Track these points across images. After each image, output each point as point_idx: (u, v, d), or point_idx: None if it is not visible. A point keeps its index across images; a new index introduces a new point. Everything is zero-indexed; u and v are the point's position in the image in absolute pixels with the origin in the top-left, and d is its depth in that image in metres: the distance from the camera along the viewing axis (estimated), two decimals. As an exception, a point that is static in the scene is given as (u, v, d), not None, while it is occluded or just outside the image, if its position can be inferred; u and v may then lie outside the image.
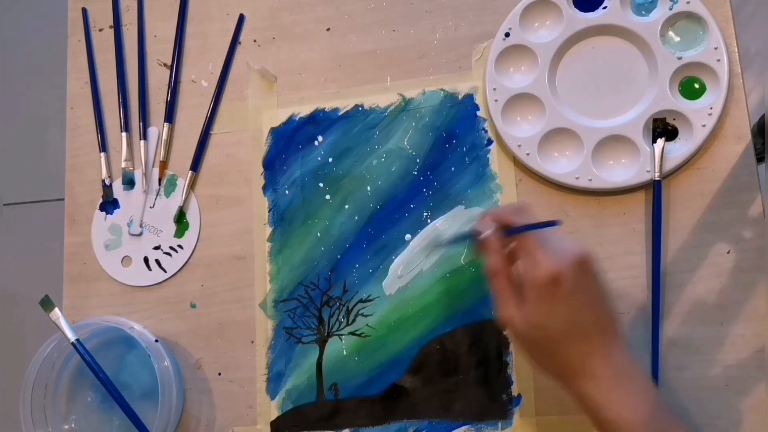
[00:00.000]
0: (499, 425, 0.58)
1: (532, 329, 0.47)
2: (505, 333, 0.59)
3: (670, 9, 0.60)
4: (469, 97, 0.64)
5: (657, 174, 0.58)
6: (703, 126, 0.58)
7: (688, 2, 0.60)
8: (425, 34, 0.66)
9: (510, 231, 0.49)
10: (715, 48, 0.59)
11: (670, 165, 0.58)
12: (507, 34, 0.63)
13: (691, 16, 0.60)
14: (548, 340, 0.47)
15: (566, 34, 0.62)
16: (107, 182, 0.69)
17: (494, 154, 0.63)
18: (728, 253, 0.57)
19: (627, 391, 0.46)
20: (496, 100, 0.62)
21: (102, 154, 0.70)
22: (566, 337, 0.47)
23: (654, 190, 0.58)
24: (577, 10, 0.62)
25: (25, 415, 0.61)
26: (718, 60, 0.59)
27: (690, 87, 0.60)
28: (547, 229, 0.47)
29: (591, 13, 0.62)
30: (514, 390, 0.59)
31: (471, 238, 0.51)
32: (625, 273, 0.59)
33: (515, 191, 0.62)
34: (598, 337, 0.47)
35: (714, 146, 0.59)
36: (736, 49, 0.60)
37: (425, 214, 0.63)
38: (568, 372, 0.47)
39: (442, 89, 0.65)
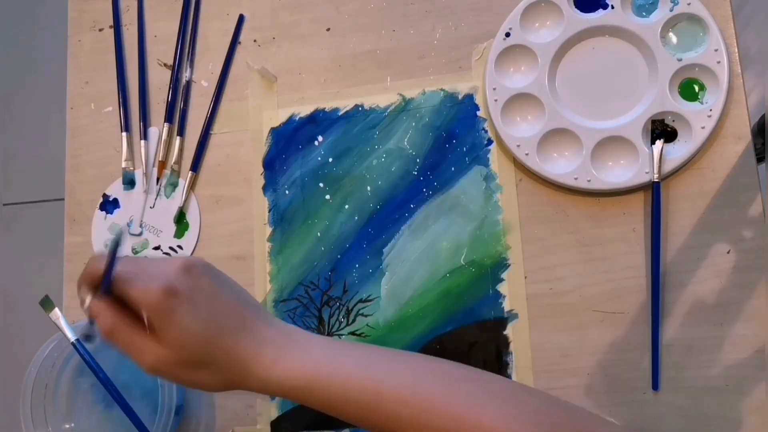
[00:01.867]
0: (499, 425, 0.58)
1: (179, 353, 0.44)
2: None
3: (671, 10, 0.60)
4: (469, 97, 0.64)
5: (656, 175, 0.58)
6: (703, 128, 0.58)
7: (688, 4, 0.60)
8: (425, 34, 0.66)
9: (106, 283, 0.44)
10: (716, 50, 0.59)
11: (669, 166, 0.58)
12: (507, 34, 0.63)
13: (692, 18, 0.60)
14: (200, 354, 0.44)
15: (566, 34, 0.62)
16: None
17: (494, 154, 0.63)
18: (728, 253, 0.57)
19: (289, 353, 0.44)
20: (495, 100, 0.62)
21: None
22: (211, 341, 0.44)
23: (653, 191, 0.58)
24: (578, 11, 0.62)
25: (25, 415, 0.61)
26: (719, 62, 0.59)
27: (690, 89, 0.60)
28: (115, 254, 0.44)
29: (591, 14, 0.62)
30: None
31: (89, 322, 0.46)
32: (625, 273, 0.59)
33: (515, 191, 0.62)
34: (241, 324, 0.45)
35: (714, 146, 0.59)
36: (736, 49, 0.60)
37: (425, 214, 0.63)
38: (236, 370, 0.45)
39: (442, 89, 0.65)
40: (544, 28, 0.63)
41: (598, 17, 0.61)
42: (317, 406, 0.45)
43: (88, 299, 0.46)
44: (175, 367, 0.44)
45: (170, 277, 0.43)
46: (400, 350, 0.46)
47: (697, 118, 0.58)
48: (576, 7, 0.62)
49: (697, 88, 0.60)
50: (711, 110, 0.58)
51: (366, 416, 0.44)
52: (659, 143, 0.58)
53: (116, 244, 0.43)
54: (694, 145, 0.58)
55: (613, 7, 0.61)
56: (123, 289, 0.44)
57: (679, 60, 0.59)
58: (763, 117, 1.00)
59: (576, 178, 0.59)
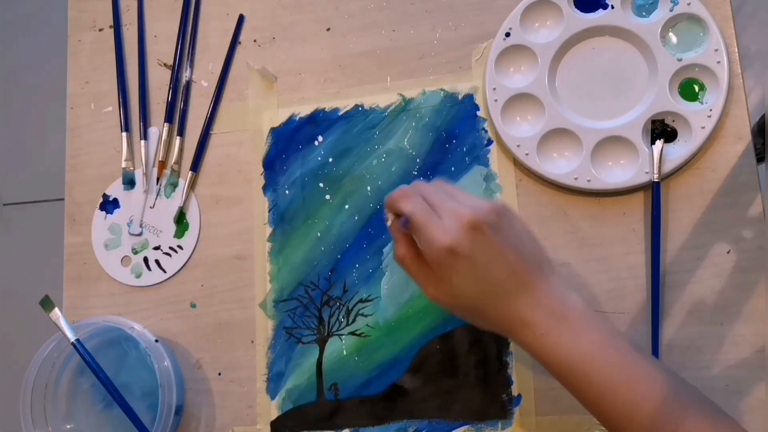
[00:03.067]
0: (499, 425, 0.59)
1: (453, 301, 0.48)
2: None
3: (671, 10, 0.60)
4: (469, 97, 0.64)
5: (656, 175, 0.58)
6: (703, 128, 0.58)
7: (688, 4, 0.60)
8: (425, 34, 0.66)
9: (401, 221, 0.49)
10: (716, 50, 0.59)
11: (669, 166, 0.58)
12: (507, 34, 0.63)
13: (692, 18, 0.60)
14: (471, 307, 0.48)
15: (566, 34, 0.62)
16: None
17: (494, 154, 0.63)
18: (728, 253, 0.57)
19: (559, 332, 0.46)
20: (495, 100, 0.62)
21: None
22: (483, 298, 0.47)
23: (653, 191, 0.58)
24: (578, 11, 0.62)
25: (25, 415, 0.61)
26: (719, 62, 0.59)
27: (690, 89, 0.60)
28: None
29: (591, 14, 0.62)
30: (514, 390, 0.59)
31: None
32: (625, 273, 0.59)
33: (515, 191, 0.62)
34: (516, 288, 0.46)
35: (714, 146, 0.59)
36: (736, 49, 0.60)
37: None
38: (503, 327, 0.48)
39: (442, 89, 0.65)
40: (544, 28, 0.63)
41: (598, 17, 0.61)
42: (564, 384, 0.47)
43: (390, 219, 0.51)
44: (450, 307, 0.49)
45: (455, 235, 0.45)
46: (655, 359, 0.48)
47: (697, 118, 0.58)
48: (576, 7, 0.62)
49: (697, 88, 0.60)
50: (711, 110, 0.58)
51: (610, 414, 0.45)
52: (659, 143, 0.58)
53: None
54: (694, 145, 0.58)
55: (613, 7, 0.61)
56: (413, 232, 0.48)
57: (679, 60, 0.59)
58: (763, 117, 1.00)
59: (576, 178, 0.59)
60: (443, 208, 0.47)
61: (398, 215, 0.50)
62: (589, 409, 0.47)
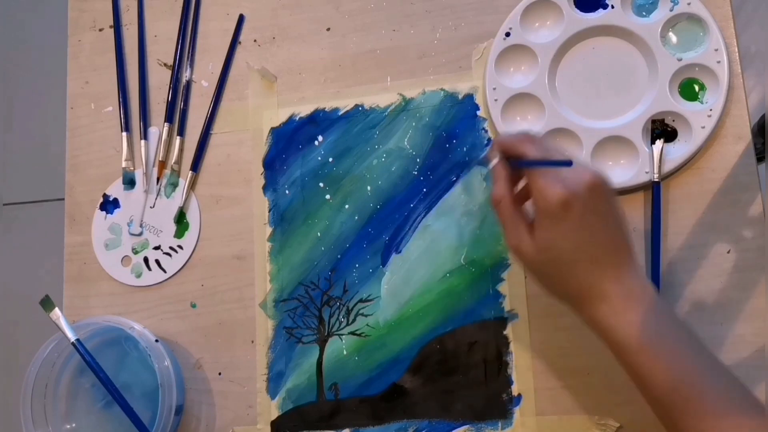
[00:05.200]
0: (499, 425, 0.59)
1: (540, 253, 0.48)
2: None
3: (671, 10, 0.60)
4: (469, 97, 0.64)
5: (656, 175, 0.58)
6: (703, 128, 0.58)
7: (689, 3, 0.60)
8: (425, 34, 0.66)
9: (519, 163, 0.49)
10: (716, 50, 0.59)
11: (669, 166, 0.58)
12: (507, 34, 0.63)
13: (692, 18, 0.60)
14: (558, 262, 0.47)
15: (567, 34, 0.62)
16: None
17: (494, 154, 0.63)
18: (728, 253, 0.57)
19: (635, 312, 0.46)
20: (496, 100, 0.62)
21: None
22: (575, 259, 0.47)
23: (653, 191, 0.58)
24: (578, 11, 0.62)
25: (25, 415, 0.61)
26: (719, 62, 0.59)
27: (690, 88, 0.60)
28: (557, 167, 0.47)
29: (592, 14, 0.62)
30: (514, 390, 0.59)
31: (482, 164, 0.51)
32: (625, 273, 0.59)
33: (515, 191, 0.62)
34: (608, 260, 0.47)
35: (714, 146, 0.59)
36: (736, 49, 0.60)
37: (425, 214, 0.63)
38: (578, 295, 0.48)
39: (442, 89, 0.65)
40: (544, 27, 0.63)
41: (598, 17, 0.61)
42: (621, 361, 0.47)
43: (495, 160, 0.50)
44: (530, 261, 0.49)
45: (574, 188, 0.45)
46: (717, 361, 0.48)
47: (697, 118, 0.58)
48: (576, 6, 0.62)
49: (697, 88, 0.60)
50: (711, 110, 0.58)
51: (665, 404, 0.46)
52: (659, 143, 0.58)
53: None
54: (694, 144, 0.58)
55: (613, 7, 0.61)
56: (530, 176, 0.47)
57: (679, 60, 0.59)
58: (763, 117, 1.00)
59: (576, 178, 0.59)
60: (562, 169, 0.47)
61: (509, 158, 0.50)
62: (642, 391, 0.47)
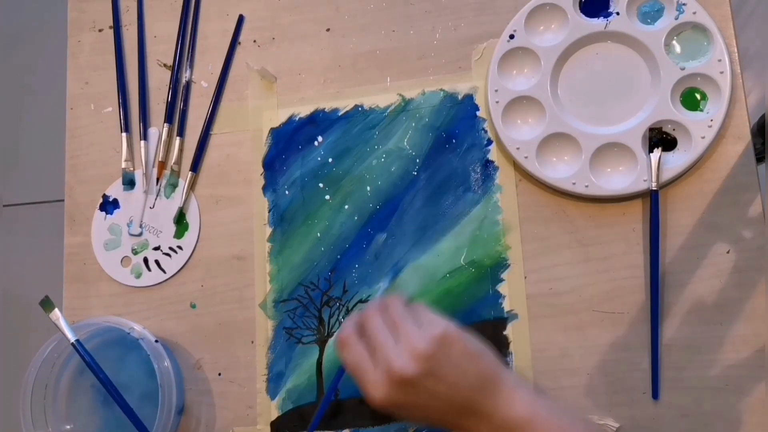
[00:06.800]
0: (499, 425, 0.58)
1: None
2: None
3: (676, 18, 0.60)
4: (469, 98, 0.64)
5: (654, 184, 0.58)
6: (703, 138, 0.58)
7: (694, 12, 0.60)
8: (425, 34, 0.66)
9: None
10: (719, 60, 0.59)
11: (668, 175, 0.58)
12: (512, 36, 0.63)
13: (697, 27, 0.60)
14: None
15: (571, 39, 0.62)
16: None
17: (494, 154, 0.63)
18: (728, 253, 0.57)
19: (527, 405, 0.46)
20: (497, 102, 0.62)
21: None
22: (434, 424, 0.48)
23: (651, 200, 0.58)
24: (584, 16, 0.62)
25: (25, 415, 0.61)
26: (722, 72, 0.58)
27: (692, 98, 0.60)
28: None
29: (596, 19, 0.62)
30: None
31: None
32: (624, 273, 0.59)
33: (515, 191, 0.62)
34: (459, 416, 0.47)
35: (714, 146, 0.59)
36: (736, 49, 0.60)
37: (425, 213, 0.63)
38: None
39: (441, 89, 0.65)
40: (548, 31, 0.63)
41: (603, 23, 0.61)
42: None
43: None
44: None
45: (387, 391, 0.46)
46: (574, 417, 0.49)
47: (698, 128, 0.58)
48: (582, 12, 0.62)
49: (699, 98, 0.60)
50: (712, 120, 0.58)
51: None
52: (657, 152, 0.58)
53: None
54: (694, 154, 0.58)
55: (618, 14, 0.61)
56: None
57: (682, 69, 0.59)
58: (762, 117, 1.00)
59: (574, 183, 0.59)
60: (379, 355, 0.47)
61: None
62: None
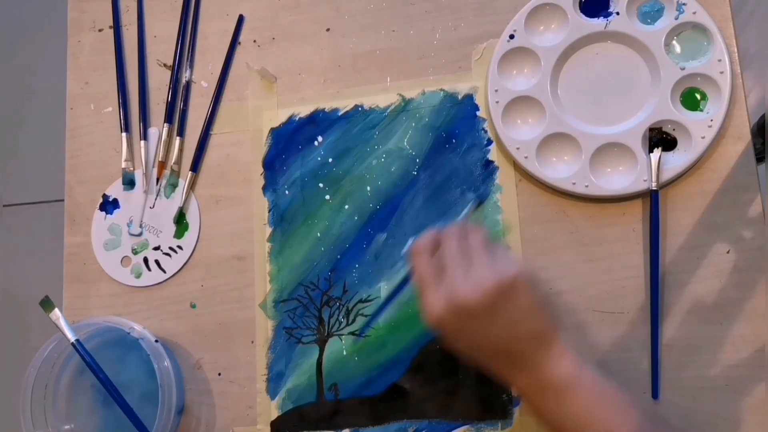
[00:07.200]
0: (499, 425, 0.58)
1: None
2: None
3: (676, 18, 0.60)
4: (469, 98, 0.64)
5: (654, 184, 0.58)
6: (703, 138, 0.58)
7: (694, 12, 0.60)
8: (425, 34, 0.66)
9: None
10: (719, 60, 0.59)
11: (668, 175, 0.58)
12: (512, 36, 0.63)
13: (697, 27, 0.60)
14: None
15: (571, 39, 0.62)
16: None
17: (494, 154, 0.63)
18: (728, 253, 0.57)
19: (554, 402, 0.47)
20: (497, 102, 0.62)
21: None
22: (478, 359, 0.49)
23: (651, 200, 0.58)
24: (584, 16, 0.62)
25: (25, 415, 0.61)
26: (722, 72, 0.58)
27: (692, 98, 0.60)
28: None
29: (596, 19, 0.62)
30: (514, 390, 0.59)
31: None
32: (624, 273, 0.59)
33: (515, 191, 0.62)
34: (506, 363, 0.48)
35: (714, 146, 0.59)
36: (736, 49, 0.60)
37: (425, 214, 0.63)
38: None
39: (441, 89, 0.65)
40: (548, 31, 0.63)
41: (603, 23, 0.61)
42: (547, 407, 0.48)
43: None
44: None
45: (442, 314, 0.47)
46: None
47: (698, 128, 0.58)
48: (582, 11, 0.62)
49: (699, 98, 0.60)
50: (712, 120, 0.58)
51: None
52: (657, 152, 0.58)
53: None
54: (694, 154, 0.58)
55: (618, 14, 0.61)
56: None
57: (682, 69, 0.59)
58: (762, 117, 1.00)
59: (574, 183, 0.59)
60: (447, 276, 0.47)
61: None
62: None
